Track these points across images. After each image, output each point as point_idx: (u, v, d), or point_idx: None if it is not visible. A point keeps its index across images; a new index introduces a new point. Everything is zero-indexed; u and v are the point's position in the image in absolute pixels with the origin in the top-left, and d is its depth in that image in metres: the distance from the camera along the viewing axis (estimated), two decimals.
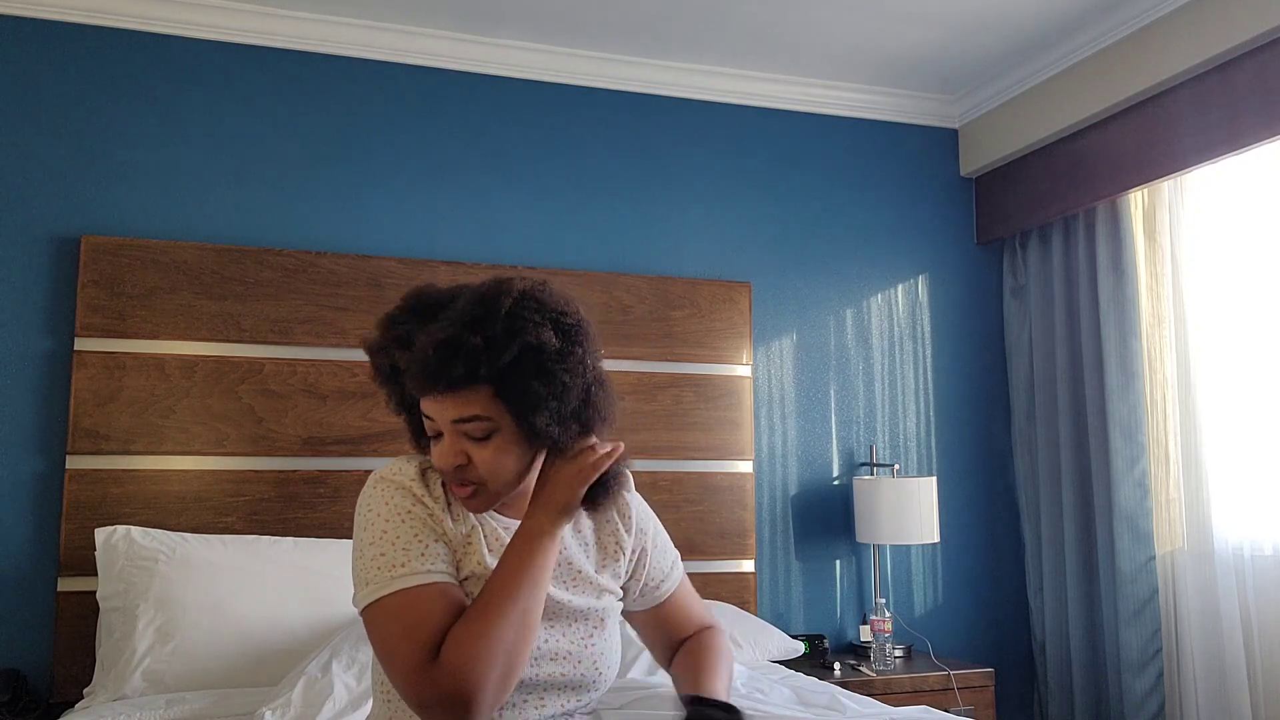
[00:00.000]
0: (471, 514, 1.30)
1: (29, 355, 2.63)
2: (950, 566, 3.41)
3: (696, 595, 1.55)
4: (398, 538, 1.21)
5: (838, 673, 2.87)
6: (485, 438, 1.21)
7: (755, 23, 2.99)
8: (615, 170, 3.21)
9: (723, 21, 2.98)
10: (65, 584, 2.53)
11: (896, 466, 3.36)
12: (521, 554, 1.20)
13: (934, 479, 3.14)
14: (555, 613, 1.30)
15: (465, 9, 2.90)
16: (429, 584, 1.18)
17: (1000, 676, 3.14)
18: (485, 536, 1.30)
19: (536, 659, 1.27)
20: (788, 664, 2.75)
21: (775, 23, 2.99)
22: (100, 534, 2.44)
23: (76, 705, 2.25)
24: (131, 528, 2.45)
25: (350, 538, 2.76)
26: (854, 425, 3.38)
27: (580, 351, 1.22)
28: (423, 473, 1.28)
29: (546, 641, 1.28)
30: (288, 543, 2.51)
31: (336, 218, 2.92)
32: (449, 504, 1.28)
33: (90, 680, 2.33)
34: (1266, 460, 2.75)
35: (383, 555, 1.20)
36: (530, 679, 1.26)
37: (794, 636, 2.94)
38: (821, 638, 3.10)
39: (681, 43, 3.11)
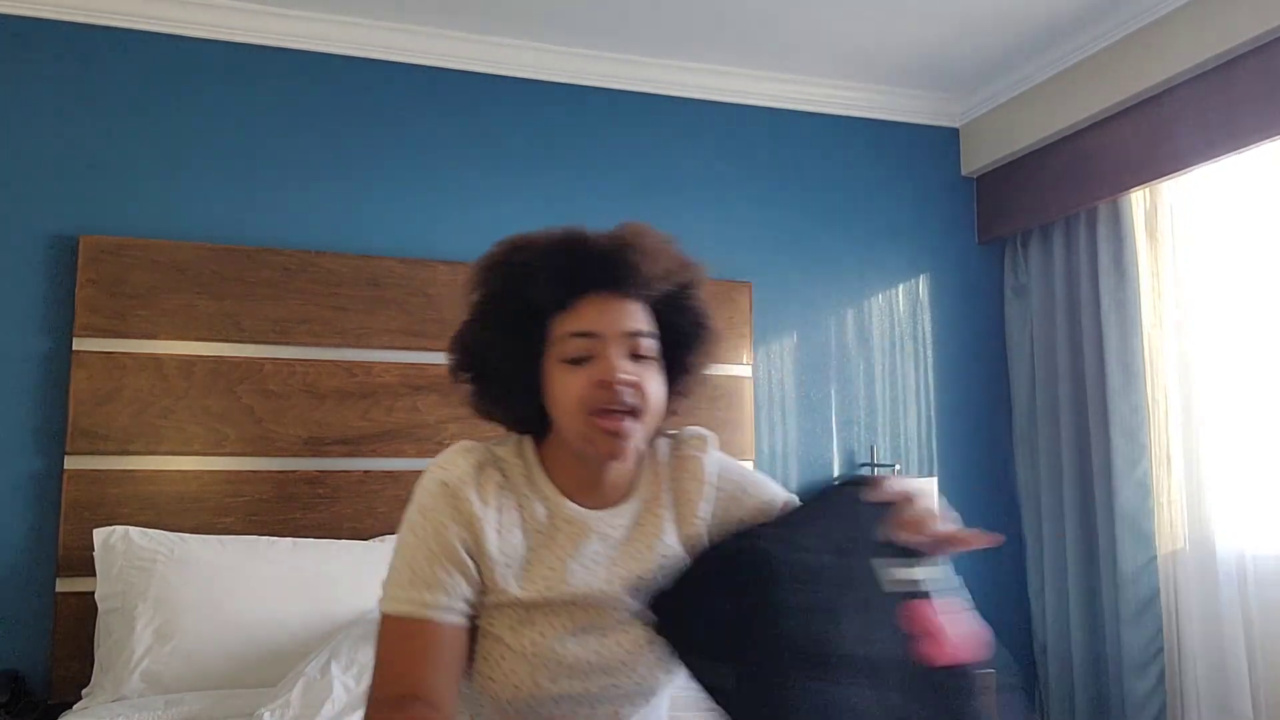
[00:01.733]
0: (511, 526, 1.17)
1: (27, 355, 2.62)
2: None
3: None
4: (428, 557, 1.12)
5: None
6: (643, 361, 1.14)
7: (755, 22, 2.98)
8: (615, 170, 3.20)
9: (723, 21, 2.97)
10: (64, 584, 2.52)
11: (897, 466, 3.36)
12: None
13: (934, 479, 3.14)
14: (603, 622, 1.17)
15: (465, 8, 2.89)
16: (435, 622, 1.10)
17: (1001, 677, 3.13)
18: (531, 557, 1.17)
19: (586, 673, 1.15)
20: None
21: (775, 22, 2.98)
22: (99, 534, 2.43)
23: (75, 706, 2.24)
24: (130, 528, 2.44)
25: (350, 538, 2.76)
26: (854, 425, 3.37)
27: (715, 323, 1.27)
28: (480, 468, 1.17)
29: (597, 654, 1.16)
30: (287, 543, 2.51)
31: (336, 218, 2.92)
32: (500, 513, 1.16)
33: (89, 681, 2.33)
34: (1268, 461, 2.75)
35: (411, 569, 1.12)
36: (579, 694, 1.15)
37: None
38: None
39: (682, 42, 3.11)
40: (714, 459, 1.30)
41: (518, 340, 1.16)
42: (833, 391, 3.36)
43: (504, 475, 1.19)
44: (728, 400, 3.14)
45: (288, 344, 2.77)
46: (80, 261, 2.63)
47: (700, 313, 1.22)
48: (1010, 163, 3.43)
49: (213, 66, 2.87)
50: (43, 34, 2.74)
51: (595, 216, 3.25)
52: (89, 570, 2.44)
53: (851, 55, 3.22)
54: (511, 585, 1.14)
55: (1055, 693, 3.23)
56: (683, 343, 1.21)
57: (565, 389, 1.13)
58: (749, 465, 3.16)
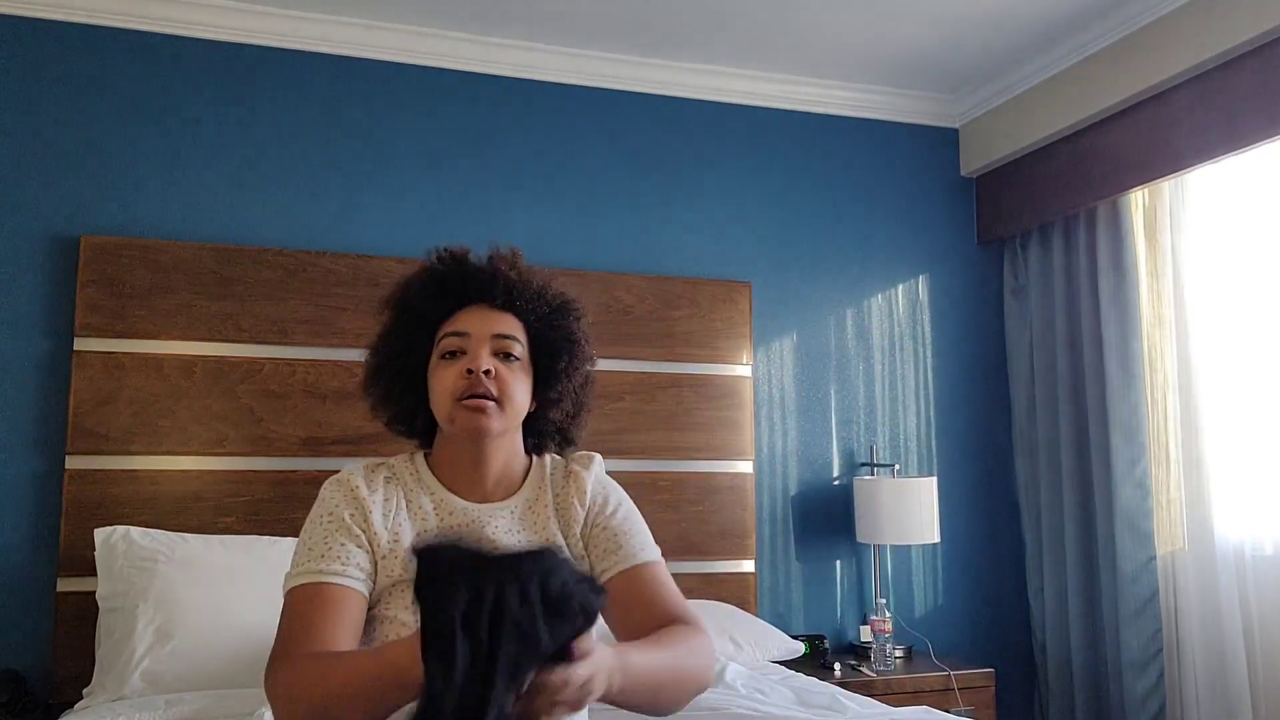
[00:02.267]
0: (396, 512, 1.34)
1: (28, 355, 2.62)
2: (950, 567, 3.41)
3: (677, 592, 1.41)
4: (323, 534, 1.31)
5: (838, 673, 2.87)
6: (510, 360, 1.35)
7: (756, 23, 2.98)
8: (616, 170, 3.20)
9: (723, 21, 2.98)
10: (64, 584, 2.53)
11: (897, 466, 3.36)
12: (385, 670, 1.09)
13: (934, 479, 3.14)
14: None
15: (466, 9, 2.89)
16: (332, 585, 1.26)
17: (1000, 677, 3.14)
18: (412, 529, 1.34)
19: None
20: (788, 664, 2.75)
21: (776, 23, 2.98)
22: (99, 534, 2.43)
23: (76, 706, 2.24)
24: (131, 528, 2.45)
25: None
26: (854, 425, 3.37)
27: (589, 348, 1.46)
28: (369, 468, 1.39)
29: None
30: (287, 543, 2.51)
31: (336, 218, 2.92)
32: (385, 501, 1.35)
33: (89, 681, 2.32)
34: (1267, 460, 2.75)
35: (308, 547, 1.30)
36: None
37: (794, 637, 2.93)
38: (822, 638, 3.10)
39: (682, 43, 3.11)
40: (596, 476, 1.47)
41: (411, 345, 1.39)
42: (832, 391, 3.37)
43: (392, 473, 1.40)
44: (728, 400, 3.14)
45: (288, 344, 2.77)
46: (80, 261, 2.63)
47: (570, 331, 1.42)
48: (1010, 163, 3.43)
49: (213, 66, 2.87)
50: (43, 34, 2.74)
51: (596, 216, 3.28)
52: (90, 570, 2.45)
53: (851, 55, 3.22)
54: (396, 565, 1.29)
55: (1055, 693, 3.24)
56: (553, 354, 1.41)
57: (440, 380, 1.34)
58: (749, 465, 3.17)
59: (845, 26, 3.02)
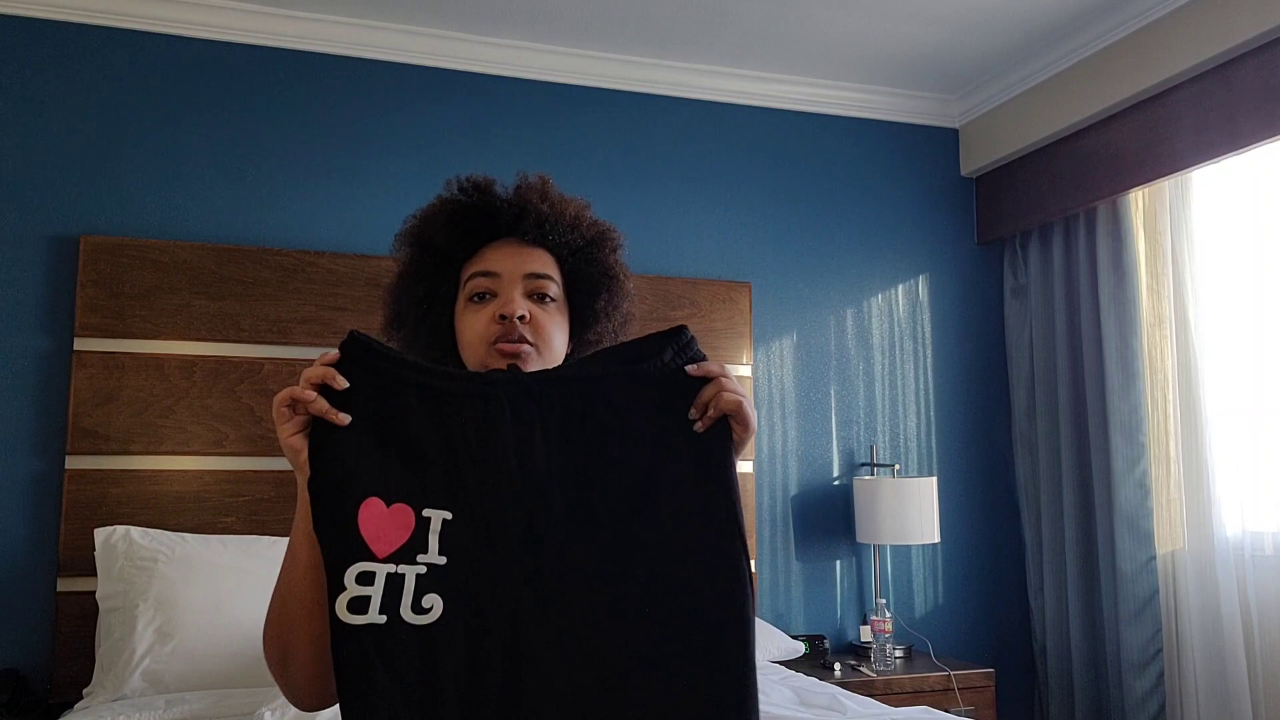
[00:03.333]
0: None
1: (28, 355, 2.62)
2: (950, 566, 3.41)
3: None
4: None
5: (838, 673, 2.87)
6: (545, 302, 1.21)
7: (755, 22, 2.98)
8: (615, 170, 3.20)
9: (723, 21, 2.98)
10: (64, 584, 2.52)
11: (897, 466, 3.36)
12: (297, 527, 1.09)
13: (934, 479, 3.14)
14: None
15: (465, 9, 2.89)
16: None
17: (1000, 677, 3.14)
18: None
19: None
20: (788, 664, 2.75)
21: (775, 22, 2.99)
22: (99, 534, 2.44)
23: (76, 706, 2.25)
24: (131, 528, 2.45)
25: None
26: (854, 425, 3.37)
27: (629, 283, 1.31)
28: None
29: None
30: (287, 543, 2.50)
31: (336, 218, 2.92)
32: None
33: (89, 681, 2.33)
34: (1268, 460, 2.75)
35: None
36: None
37: (794, 637, 2.94)
38: (822, 638, 3.10)
39: (682, 42, 3.11)
40: None
41: (434, 287, 1.24)
42: (832, 391, 3.37)
43: None
44: None
45: (287, 344, 2.77)
46: (80, 261, 2.63)
47: (608, 265, 1.28)
48: (1010, 163, 3.43)
49: (213, 66, 2.87)
50: (43, 34, 2.74)
51: (597, 216, 3.24)
52: (90, 570, 2.45)
53: (852, 55, 3.22)
54: None
55: (1055, 693, 3.24)
56: (591, 291, 1.27)
57: (470, 325, 1.20)
58: (749, 465, 3.16)
59: (845, 26, 3.02)
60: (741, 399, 1.03)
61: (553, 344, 1.21)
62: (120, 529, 2.44)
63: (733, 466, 1.02)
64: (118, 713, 2.03)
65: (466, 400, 1.01)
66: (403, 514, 0.97)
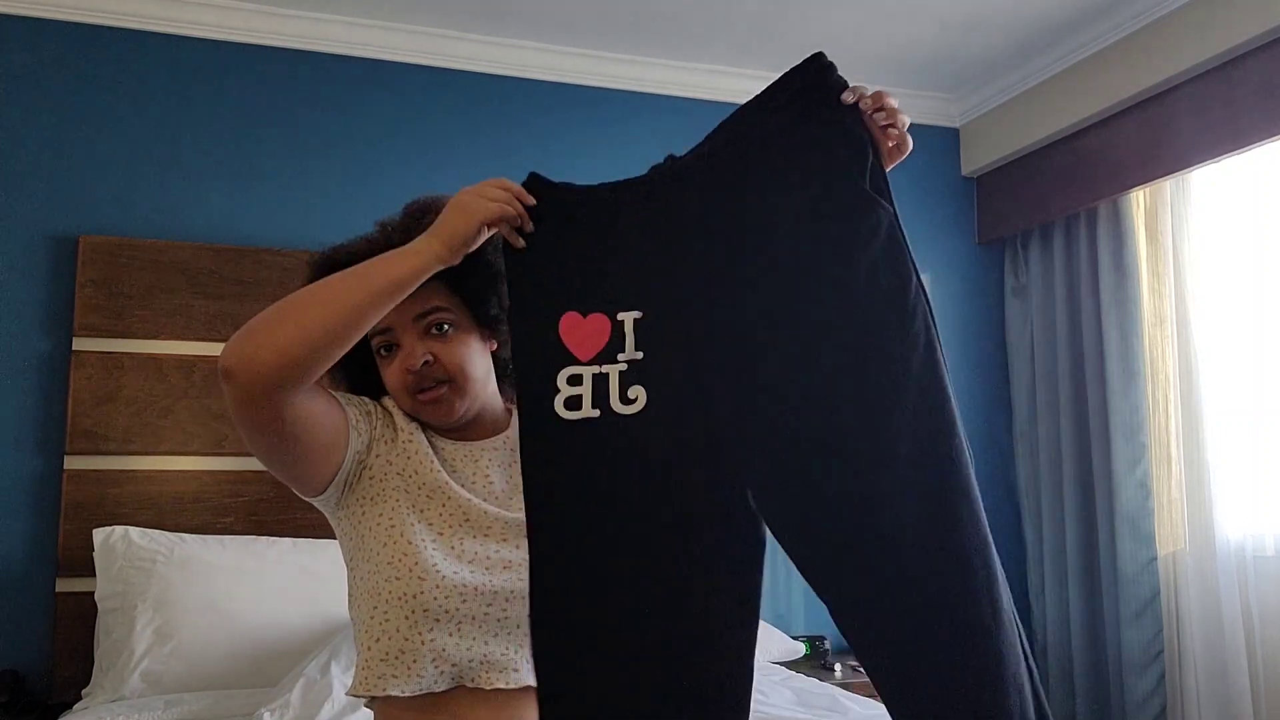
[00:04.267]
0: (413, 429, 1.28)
1: (27, 355, 2.62)
2: None
3: None
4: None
5: (838, 674, 2.86)
6: (445, 331, 1.25)
7: (755, 22, 2.98)
8: (615, 170, 3.18)
9: (723, 20, 2.97)
10: (63, 584, 2.52)
11: None
12: (374, 263, 1.14)
13: None
14: (503, 529, 1.25)
15: (466, 8, 2.89)
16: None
17: None
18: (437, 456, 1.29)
19: (489, 568, 1.21)
20: (788, 665, 2.75)
21: (775, 22, 2.98)
22: (98, 534, 2.43)
23: (75, 706, 2.24)
24: (130, 528, 2.45)
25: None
26: None
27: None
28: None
29: (497, 552, 1.22)
30: (286, 543, 2.50)
31: (335, 218, 2.92)
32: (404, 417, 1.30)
33: (88, 681, 2.33)
34: (1268, 460, 2.74)
35: None
36: (486, 587, 1.20)
37: (795, 637, 2.93)
38: (822, 639, 3.09)
39: (682, 42, 3.11)
40: None
41: (349, 353, 1.22)
42: None
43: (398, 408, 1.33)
44: None
45: None
46: (80, 261, 2.63)
47: (488, 264, 1.27)
48: (1010, 163, 3.43)
49: (213, 66, 2.87)
50: (43, 34, 2.74)
51: None
52: (89, 570, 2.44)
53: (852, 55, 3.21)
54: (409, 464, 1.25)
55: (1055, 693, 3.23)
56: (481, 298, 1.29)
57: (387, 379, 1.27)
58: None
59: (845, 25, 3.01)
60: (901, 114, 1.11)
61: (467, 370, 1.25)
62: (119, 529, 2.44)
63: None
64: (117, 713, 2.03)
65: (633, 207, 1.15)
66: (598, 321, 1.10)
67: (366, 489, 1.25)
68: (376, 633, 1.21)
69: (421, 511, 1.23)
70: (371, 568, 1.22)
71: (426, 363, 1.23)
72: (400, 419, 1.29)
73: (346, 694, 1.33)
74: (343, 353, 1.13)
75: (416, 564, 1.19)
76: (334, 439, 1.21)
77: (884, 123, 1.10)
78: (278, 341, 1.08)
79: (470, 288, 1.27)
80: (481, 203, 1.12)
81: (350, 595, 1.29)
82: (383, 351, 1.27)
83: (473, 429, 1.32)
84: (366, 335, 1.26)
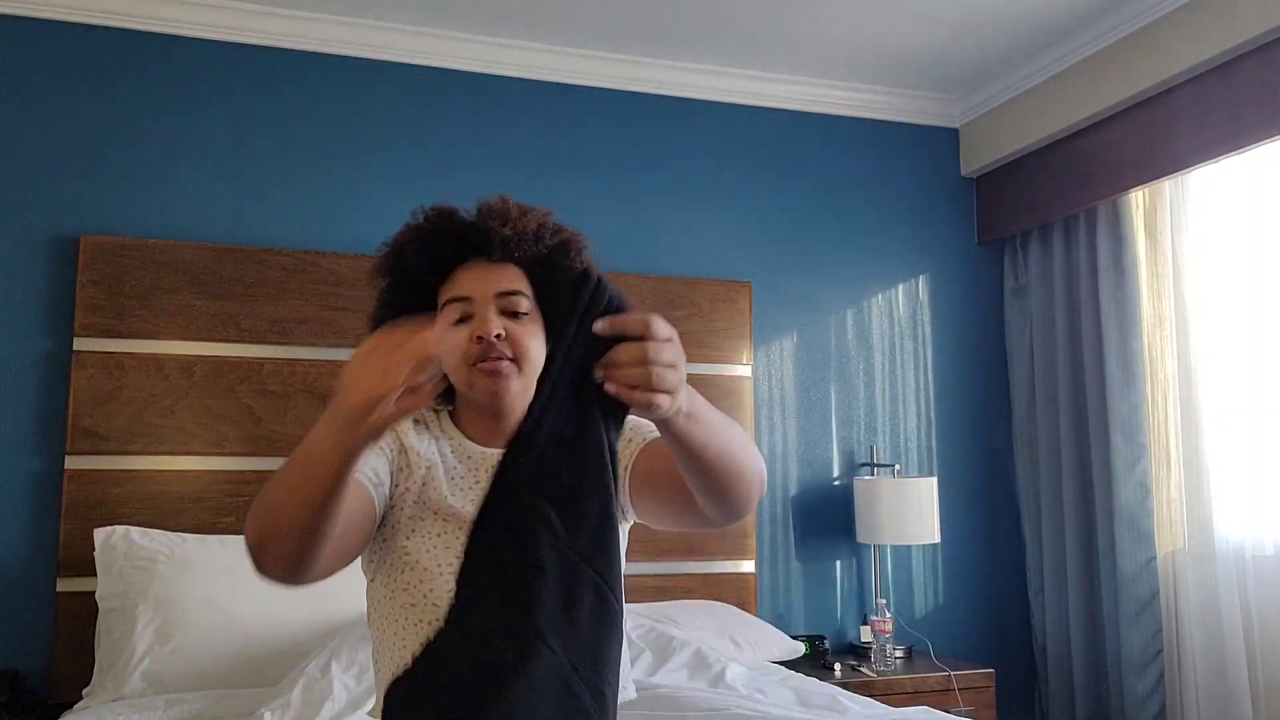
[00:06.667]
0: (429, 444, 1.30)
1: (28, 355, 2.62)
2: (950, 567, 3.41)
3: None
4: None
5: (838, 674, 2.87)
6: (519, 317, 1.26)
7: (755, 22, 2.98)
8: (615, 170, 3.20)
9: (723, 21, 2.98)
10: (64, 584, 2.52)
11: (897, 467, 3.36)
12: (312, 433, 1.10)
13: (934, 479, 3.14)
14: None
15: (466, 9, 2.89)
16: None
17: (1000, 677, 3.13)
18: (445, 469, 1.29)
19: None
20: (788, 665, 2.75)
21: (776, 23, 2.98)
22: (99, 534, 2.44)
23: (75, 706, 2.24)
24: (130, 528, 2.45)
25: None
26: (854, 425, 3.37)
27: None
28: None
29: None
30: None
31: (336, 218, 2.92)
32: (419, 436, 1.31)
33: (89, 681, 2.33)
34: (1268, 460, 2.75)
35: None
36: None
37: (794, 637, 2.94)
38: (822, 638, 3.10)
39: (682, 43, 3.11)
40: None
41: (413, 314, 1.25)
42: (832, 391, 3.36)
43: (420, 421, 1.35)
44: (728, 400, 3.14)
45: (288, 344, 2.77)
46: (80, 261, 2.63)
47: (575, 270, 1.28)
48: (1010, 163, 3.43)
49: (213, 66, 2.87)
50: (43, 34, 2.74)
51: (597, 216, 3.26)
52: (89, 570, 2.45)
53: (851, 55, 3.22)
54: (430, 491, 1.27)
55: (1055, 693, 3.23)
56: (561, 297, 1.25)
57: (447, 345, 1.26)
58: None
59: (845, 26, 3.01)
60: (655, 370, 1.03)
61: (530, 355, 1.26)
62: (120, 529, 2.44)
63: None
64: (117, 713, 2.04)
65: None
66: None
67: (389, 517, 1.28)
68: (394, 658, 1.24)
69: (439, 535, 1.25)
70: (388, 592, 1.26)
71: (499, 336, 1.23)
72: (415, 443, 1.29)
73: (368, 714, 1.35)
74: (343, 506, 1.10)
75: (431, 590, 1.22)
76: (365, 515, 1.22)
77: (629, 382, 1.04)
78: (284, 550, 1.08)
79: (552, 282, 1.28)
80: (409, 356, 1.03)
81: (369, 612, 1.32)
82: (455, 323, 1.26)
83: (501, 427, 1.30)
84: (433, 305, 1.29)
